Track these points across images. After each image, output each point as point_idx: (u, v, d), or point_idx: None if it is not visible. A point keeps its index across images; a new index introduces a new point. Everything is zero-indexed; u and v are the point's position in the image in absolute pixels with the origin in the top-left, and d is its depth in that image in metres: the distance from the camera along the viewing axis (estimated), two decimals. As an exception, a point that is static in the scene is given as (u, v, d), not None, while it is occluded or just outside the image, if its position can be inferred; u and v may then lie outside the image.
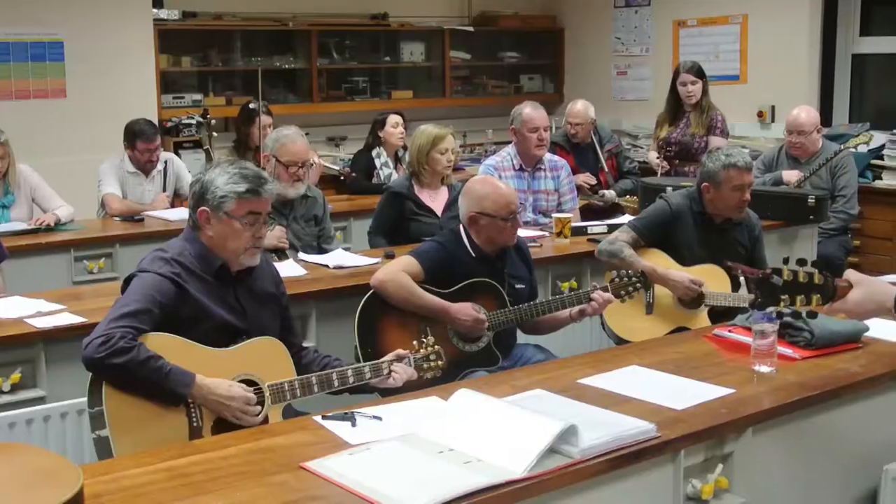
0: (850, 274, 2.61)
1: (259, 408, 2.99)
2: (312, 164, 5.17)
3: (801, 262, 2.57)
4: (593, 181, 6.56)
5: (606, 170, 6.69)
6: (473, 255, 4.02)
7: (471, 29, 9.19)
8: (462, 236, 4.05)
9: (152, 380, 2.85)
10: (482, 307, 3.94)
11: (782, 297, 2.58)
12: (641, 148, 8.44)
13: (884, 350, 3.29)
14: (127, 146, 6.21)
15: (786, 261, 2.59)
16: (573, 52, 9.65)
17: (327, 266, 4.68)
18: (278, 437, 2.66)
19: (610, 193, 6.39)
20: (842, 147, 6.25)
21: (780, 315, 2.71)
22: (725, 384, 2.97)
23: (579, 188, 6.21)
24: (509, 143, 5.97)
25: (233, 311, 3.15)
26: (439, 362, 3.38)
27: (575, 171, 6.30)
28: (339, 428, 2.70)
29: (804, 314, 2.63)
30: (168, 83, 7.86)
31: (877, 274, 4.94)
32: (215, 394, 2.93)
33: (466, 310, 3.88)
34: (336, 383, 3.16)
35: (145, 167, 6.27)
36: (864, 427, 3.13)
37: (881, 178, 7.24)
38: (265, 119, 6.46)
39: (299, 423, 2.80)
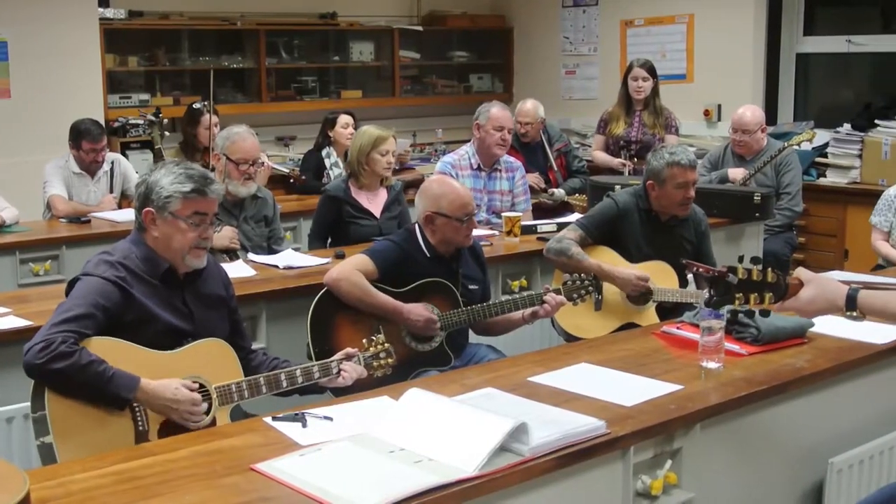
0: (802, 272, 2.65)
1: (206, 405, 2.97)
2: (262, 164, 5.14)
3: (755, 260, 2.61)
4: (542, 183, 6.60)
5: (556, 169, 6.74)
6: (428, 255, 4.02)
7: (420, 28, 9.19)
8: (417, 236, 4.06)
9: (95, 384, 2.82)
10: (435, 307, 3.94)
11: (737, 295, 2.61)
12: (590, 146, 8.48)
13: (828, 345, 3.34)
14: (72, 146, 6.14)
15: (740, 259, 2.63)
16: (522, 52, 9.68)
17: (277, 267, 4.66)
18: (228, 439, 2.64)
19: (559, 192, 6.42)
20: (786, 145, 6.33)
21: (734, 313, 2.74)
22: (674, 380, 3.00)
23: (531, 187, 6.24)
24: (459, 142, 5.97)
25: (179, 314, 3.12)
26: (389, 360, 3.38)
27: (525, 170, 6.33)
28: (289, 429, 2.69)
29: (757, 312, 2.66)
30: (114, 83, 7.78)
31: (821, 270, 5.03)
32: (161, 396, 2.90)
33: (419, 310, 3.89)
34: (285, 384, 3.14)
35: (90, 168, 6.20)
36: (810, 421, 3.17)
37: (825, 176, 7.35)
38: (213, 118, 6.43)
39: (249, 425, 2.79)
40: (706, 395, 2.91)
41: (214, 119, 6.43)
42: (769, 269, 2.61)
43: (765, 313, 2.68)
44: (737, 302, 2.63)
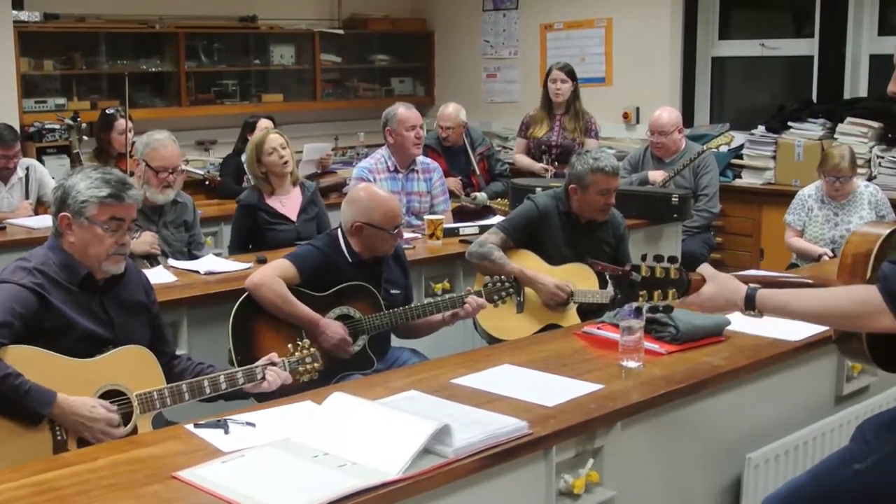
0: (704, 269, 2.69)
1: (122, 429, 2.94)
2: (182, 171, 5.10)
3: (658, 258, 2.64)
4: (462, 188, 6.63)
5: (478, 172, 6.77)
6: (350, 260, 4.02)
7: (341, 32, 9.16)
8: (340, 241, 4.06)
9: (10, 398, 2.77)
10: (357, 310, 3.94)
11: (640, 292, 2.65)
12: (512, 150, 8.54)
13: (744, 343, 3.40)
14: (-16, 152, 6.02)
15: (644, 257, 2.67)
16: (443, 55, 9.71)
17: (198, 272, 4.61)
18: (149, 448, 2.61)
19: (481, 196, 6.46)
20: (704, 148, 6.43)
21: (638, 310, 2.78)
22: (595, 380, 3.03)
23: (451, 192, 6.27)
24: (381, 145, 5.97)
25: (99, 321, 3.08)
26: (315, 365, 3.37)
27: (447, 174, 6.37)
28: (211, 436, 2.66)
29: (661, 308, 2.70)
30: (30, 87, 7.60)
31: (738, 269, 5.14)
32: (77, 413, 2.86)
33: (335, 327, 3.89)
34: (208, 390, 3.12)
35: (3, 174, 6.08)
36: (728, 417, 3.23)
37: (741, 177, 7.49)
38: (128, 124, 6.36)
39: (170, 433, 2.76)
40: (627, 393, 2.94)
41: (129, 125, 6.35)
42: (672, 266, 2.65)
43: (668, 308, 2.72)
44: (641, 299, 2.67)
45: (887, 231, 2.57)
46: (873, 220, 5.42)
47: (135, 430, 2.95)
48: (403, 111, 5.78)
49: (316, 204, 5.44)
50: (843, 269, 2.59)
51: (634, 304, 2.75)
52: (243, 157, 7.01)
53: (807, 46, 7.59)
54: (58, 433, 2.86)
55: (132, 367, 3.06)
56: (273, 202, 5.30)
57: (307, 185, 5.47)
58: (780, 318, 2.61)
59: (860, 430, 2.60)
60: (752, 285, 2.58)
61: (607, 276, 4.66)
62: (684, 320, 3.35)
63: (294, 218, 5.30)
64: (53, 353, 2.91)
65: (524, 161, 7.04)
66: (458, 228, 5.45)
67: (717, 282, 2.64)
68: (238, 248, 5.31)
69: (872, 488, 2.52)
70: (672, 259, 2.65)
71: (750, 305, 2.56)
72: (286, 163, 5.31)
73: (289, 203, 5.34)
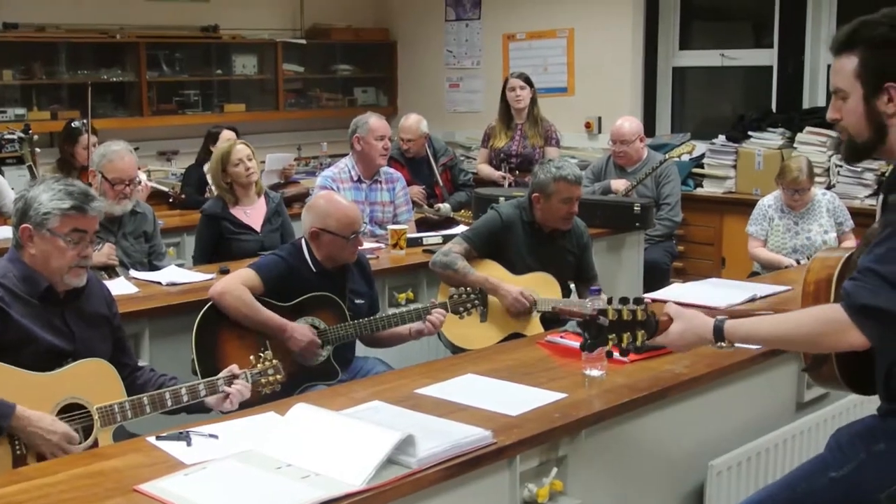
0: (670, 308, 2.70)
1: (80, 445, 2.91)
2: (140, 182, 5.07)
3: (624, 300, 2.66)
4: (426, 198, 6.63)
5: (441, 183, 6.77)
6: (314, 269, 4.02)
7: (303, 42, 9.15)
8: (303, 251, 4.05)
9: None
10: (322, 321, 3.94)
11: (609, 336, 2.66)
12: (475, 159, 8.56)
13: (706, 351, 3.38)
14: (-58, 163, 5.95)
15: (609, 301, 2.68)
16: (406, 65, 9.72)
17: (160, 283, 4.59)
18: (110, 461, 2.58)
19: (445, 207, 6.46)
20: (666, 157, 6.48)
21: (609, 354, 2.78)
22: (558, 389, 3.04)
23: (414, 202, 6.28)
24: (344, 155, 5.97)
25: (59, 334, 3.05)
26: (277, 377, 3.35)
27: (410, 185, 6.37)
28: (173, 448, 2.64)
29: (634, 349, 2.71)
30: (-12, 97, 7.56)
31: (700, 278, 5.17)
32: (36, 426, 2.83)
33: (303, 331, 3.88)
34: (170, 402, 3.09)
35: (-39, 186, 6.02)
36: (690, 425, 3.26)
37: (702, 186, 7.55)
38: (91, 138, 6.32)
39: (132, 445, 2.73)
40: (590, 402, 2.95)
41: (93, 139, 6.30)
42: (638, 307, 2.66)
43: (639, 350, 2.74)
44: (610, 343, 2.67)
45: (846, 255, 2.61)
46: (829, 247, 5.47)
47: (95, 444, 2.92)
48: (375, 121, 5.80)
49: (280, 214, 5.44)
50: (807, 296, 2.61)
51: (606, 349, 2.76)
52: (206, 168, 7.00)
53: (766, 56, 7.68)
54: (17, 447, 2.82)
55: (92, 380, 3.03)
56: (237, 212, 5.29)
57: (272, 196, 5.47)
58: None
59: (835, 439, 2.63)
60: (719, 317, 2.61)
61: (571, 286, 4.70)
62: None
63: (258, 228, 5.29)
64: (13, 366, 2.88)
65: (486, 171, 7.09)
66: (421, 238, 5.46)
67: (684, 319, 2.66)
68: (202, 258, 5.28)
69: (847, 497, 2.54)
70: (637, 301, 2.67)
71: (719, 337, 2.58)
72: (251, 174, 5.31)
73: (253, 213, 5.34)
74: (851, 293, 2.31)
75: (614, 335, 2.66)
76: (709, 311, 2.74)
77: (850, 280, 2.34)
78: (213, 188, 6.73)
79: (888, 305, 2.26)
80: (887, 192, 2.42)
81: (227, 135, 7.00)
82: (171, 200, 6.96)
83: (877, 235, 2.35)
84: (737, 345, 2.66)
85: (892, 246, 2.28)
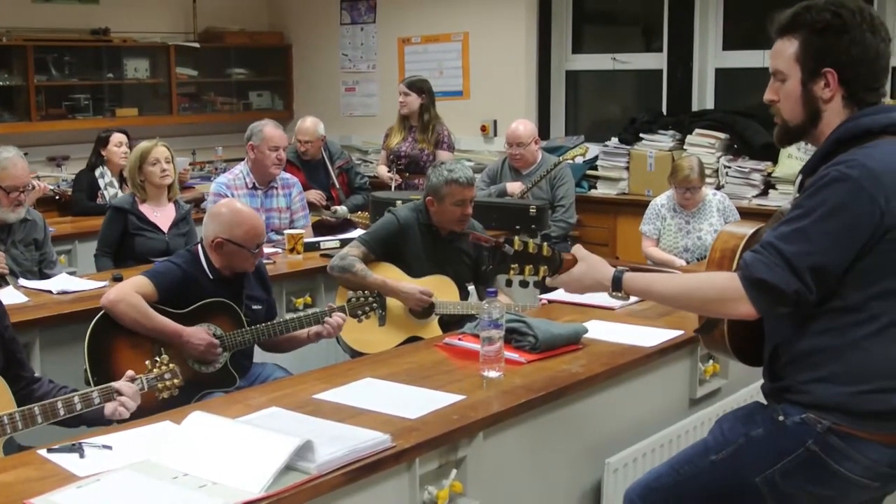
0: (578, 249, 2.77)
1: None
2: (33, 188, 4.97)
3: (532, 234, 2.71)
4: (325, 200, 6.62)
5: (338, 186, 6.76)
6: (211, 276, 3.97)
7: (197, 45, 9.03)
8: (200, 258, 4.00)
9: None
10: (218, 327, 3.89)
11: (512, 265, 2.71)
12: (371, 163, 8.57)
13: (601, 350, 3.48)
14: None
15: (517, 231, 2.72)
16: (301, 69, 9.68)
17: (51, 292, 4.49)
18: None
19: (342, 209, 6.46)
20: (560, 159, 6.57)
21: (508, 283, 2.82)
22: (456, 391, 3.05)
23: (311, 205, 6.25)
24: (240, 159, 5.91)
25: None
26: (175, 381, 3.31)
27: (306, 188, 6.35)
28: (66, 460, 2.58)
29: (531, 283, 2.75)
30: None
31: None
32: None
33: (200, 334, 3.83)
34: (62, 412, 3.01)
35: None
36: (587, 424, 3.30)
37: (596, 188, 7.66)
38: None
39: (22, 459, 2.66)
40: (488, 403, 2.98)
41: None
42: (545, 243, 2.71)
43: (538, 284, 2.78)
44: (511, 272, 2.72)
45: (753, 229, 2.69)
46: (739, 220, 5.60)
47: (-16, 458, 2.85)
48: (270, 130, 5.74)
49: (188, 222, 5.44)
50: (712, 263, 2.70)
51: (505, 278, 2.79)
52: (97, 172, 6.87)
53: (656, 60, 7.83)
54: None
55: (-20, 392, 2.95)
56: (146, 209, 5.29)
57: (182, 204, 5.44)
58: (646, 301, 2.66)
59: (718, 424, 2.71)
60: (619, 267, 2.67)
61: (469, 289, 4.73)
62: (543, 329, 3.41)
63: (165, 229, 5.26)
64: None
65: (381, 171, 7.11)
66: (318, 243, 5.44)
67: (587, 262, 2.73)
68: (104, 254, 5.25)
69: (727, 479, 2.63)
70: (546, 237, 2.72)
71: (616, 287, 2.65)
72: (166, 176, 5.30)
73: (161, 214, 5.33)
74: (749, 264, 2.38)
75: (517, 265, 2.71)
76: (614, 262, 2.80)
77: (751, 252, 2.41)
78: (114, 183, 6.67)
79: (780, 283, 2.33)
80: (805, 174, 2.49)
81: (117, 139, 6.90)
82: (57, 198, 6.84)
83: (787, 214, 2.41)
84: (632, 298, 2.72)
85: (798, 227, 2.35)
